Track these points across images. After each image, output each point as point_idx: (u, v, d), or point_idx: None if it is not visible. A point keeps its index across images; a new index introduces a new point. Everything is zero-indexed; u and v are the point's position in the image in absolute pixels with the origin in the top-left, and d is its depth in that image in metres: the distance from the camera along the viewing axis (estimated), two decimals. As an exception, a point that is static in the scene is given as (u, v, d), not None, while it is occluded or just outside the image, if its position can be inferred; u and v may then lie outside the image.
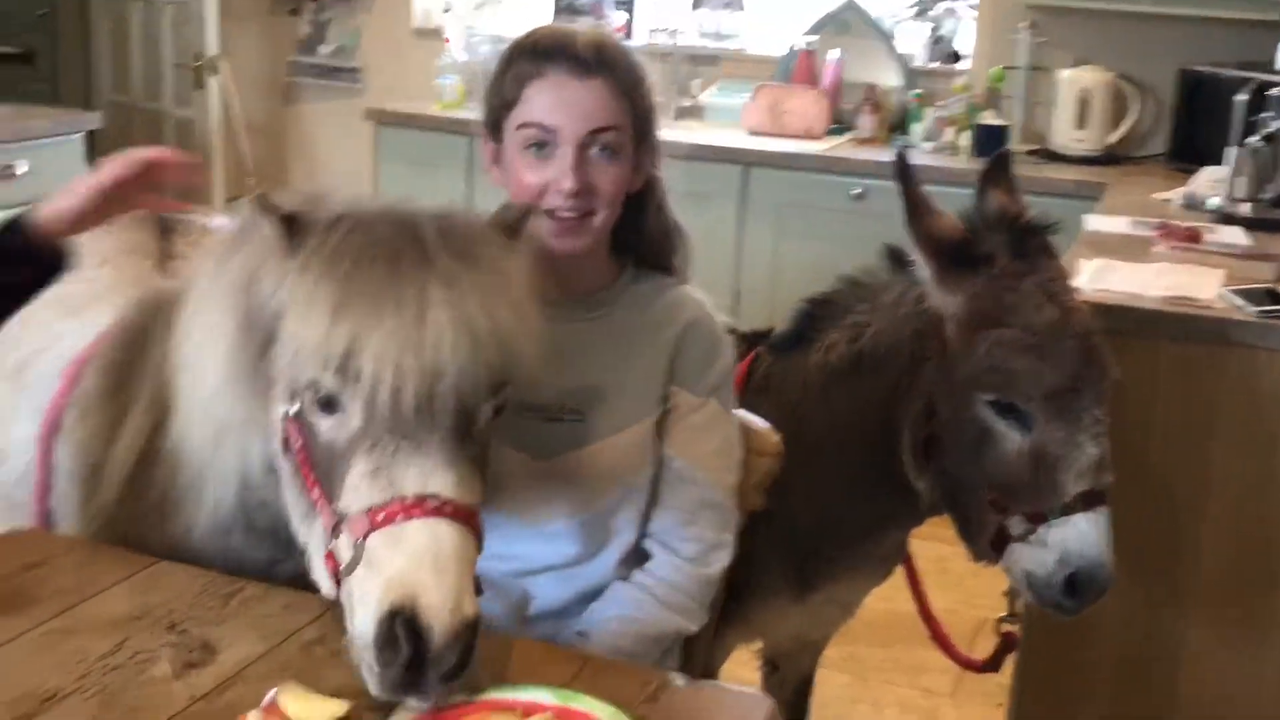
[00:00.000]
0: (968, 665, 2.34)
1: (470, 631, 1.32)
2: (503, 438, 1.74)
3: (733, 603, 1.99)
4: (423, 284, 1.40)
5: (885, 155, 4.48)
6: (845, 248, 4.37)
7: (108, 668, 1.45)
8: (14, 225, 1.65)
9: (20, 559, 1.71)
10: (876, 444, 2.07)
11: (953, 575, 3.62)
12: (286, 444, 1.48)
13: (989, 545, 1.97)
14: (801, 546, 2.14)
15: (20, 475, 1.87)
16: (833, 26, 5.05)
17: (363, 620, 1.33)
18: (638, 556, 1.87)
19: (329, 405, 1.41)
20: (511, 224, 1.56)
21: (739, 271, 4.53)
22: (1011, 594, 2.14)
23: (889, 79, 4.96)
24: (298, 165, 6.07)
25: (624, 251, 1.91)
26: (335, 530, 1.40)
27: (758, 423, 2.02)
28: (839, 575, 2.25)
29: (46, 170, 4.06)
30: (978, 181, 2.07)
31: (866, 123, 4.78)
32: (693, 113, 5.13)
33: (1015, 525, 1.91)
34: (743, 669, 2.59)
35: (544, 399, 1.79)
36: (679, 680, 1.52)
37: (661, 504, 1.86)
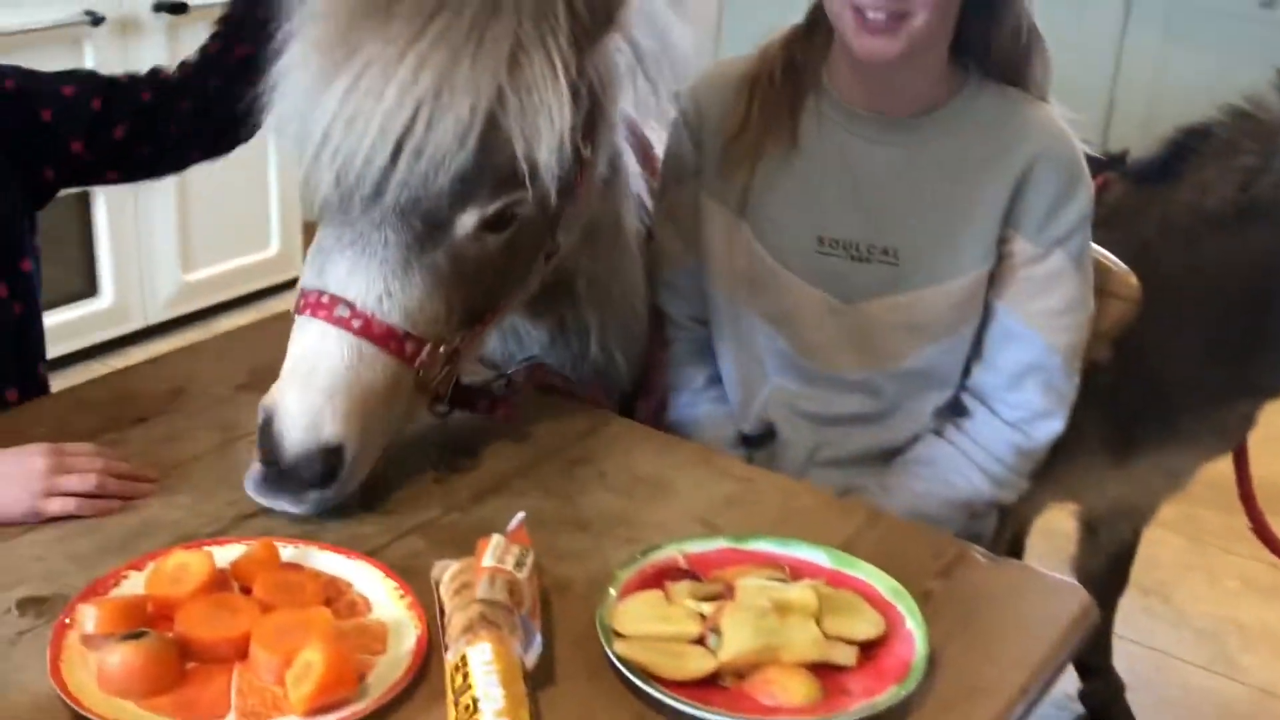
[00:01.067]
0: None
1: (324, 455, 1.23)
2: (795, 267, 1.57)
3: (1045, 459, 1.76)
4: (395, 47, 1.21)
5: (1307, -45, 3.94)
6: (1245, 64, 3.90)
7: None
8: None
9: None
10: (1257, 305, 1.78)
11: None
12: None
13: None
14: (1130, 405, 1.88)
15: None
16: None
17: None
18: (954, 408, 1.64)
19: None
20: None
21: (1115, 82, 4.10)
22: None
23: None
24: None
25: (966, 58, 1.57)
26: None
27: (1114, 262, 1.75)
28: (1171, 442, 1.98)
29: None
30: None
31: (1288, -84, 4.15)
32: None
33: None
34: (1060, 519, 2.38)
35: (849, 233, 1.56)
36: (979, 555, 1.34)
37: (985, 359, 1.61)
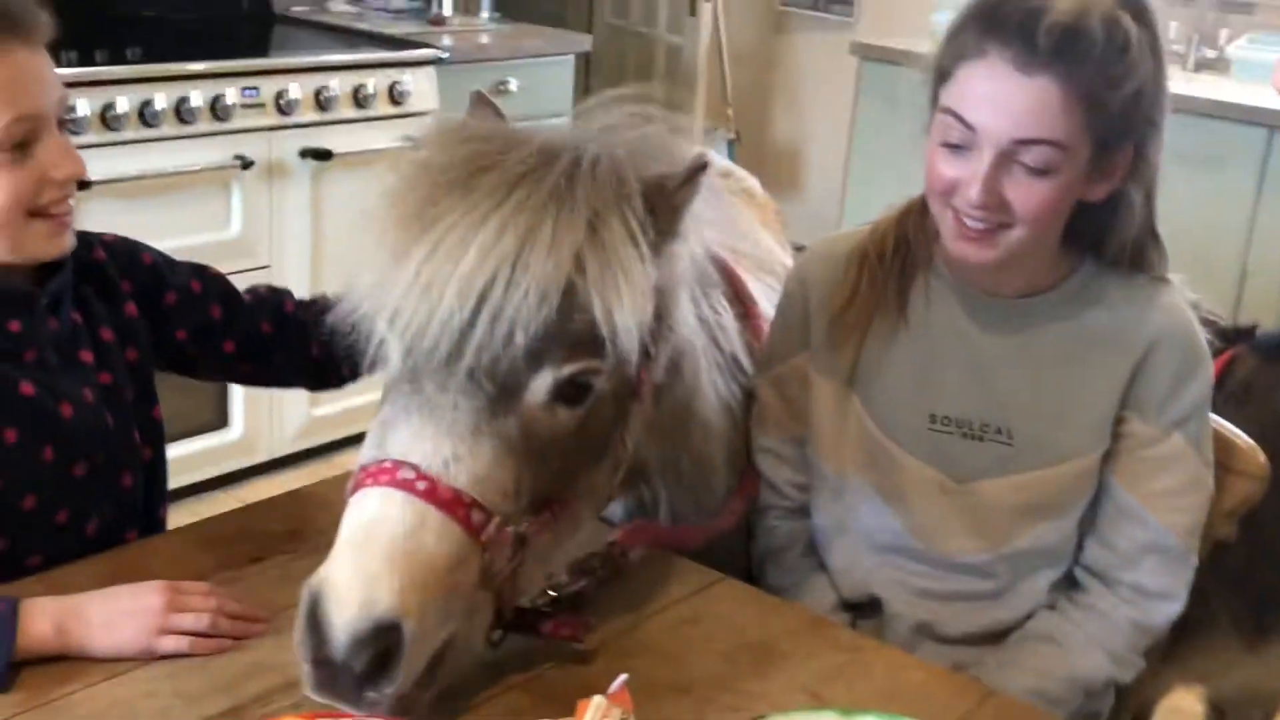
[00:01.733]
0: None
1: (379, 634, 1.10)
2: (907, 444, 1.55)
3: (1170, 639, 1.70)
4: (476, 216, 1.18)
5: None
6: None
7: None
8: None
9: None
10: None
11: None
12: None
13: None
14: (1263, 587, 1.80)
15: None
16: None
17: None
18: (1069, 582, 1.59)
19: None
20: (665, 198, 1.28)
21: (1248, 250, 4.02)
22: None
23: None
24: (779, 95, 5.99)
25: (1080, 242, 1.54)
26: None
27: (1240, 438, 1.70)
28: None
29: (536, 88, 4.16)
30: None
31: None
32: (1215, 65, 4.62)
33: None
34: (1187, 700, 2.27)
35: (963, 411, 1.54)
36: (1095, 745, 1.29)
37: (1100, 536, 1.56)
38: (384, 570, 1.12)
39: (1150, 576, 1.53)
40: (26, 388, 1.46)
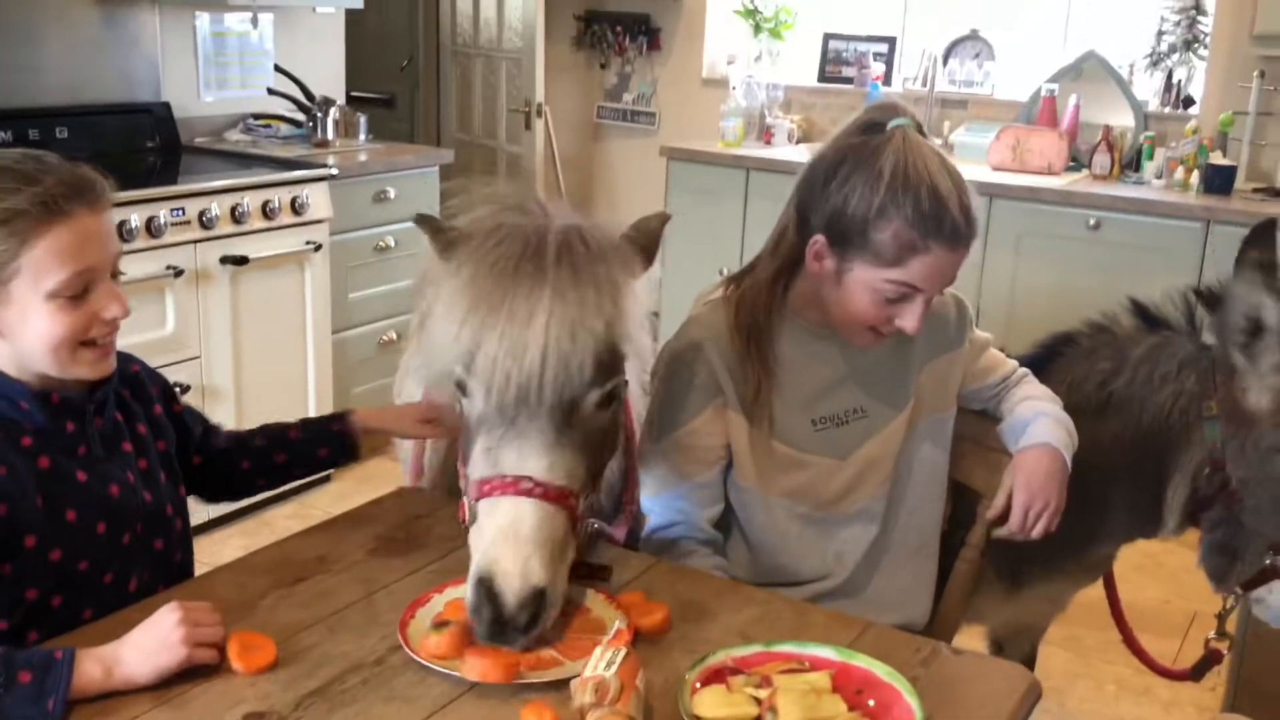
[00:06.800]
0: (1165, 674, 2.22)
1: (536, 597, 1.35)
2: (804, 447, 1.83)
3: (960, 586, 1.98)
4: (534, 295, 1.38)
5: (1120, 190, 4.31)
6: (1080, 273, 4.25)
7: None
8: (340, 416, 1.85)
9: (410, 511, 1.83)
10: (1114, 477, 1.97)
11: (1166, 570, 3.46)
12: None
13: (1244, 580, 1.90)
14: (1018, 548, 1.98)
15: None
16: (1073, 74, 4.84)
17: (467, 581, 1.39)
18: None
19: (463, 389, 1.46)
20: (648, 237, 1.53)
21: (980, 292, 4.39)
22: (1222, 617, 2.04)
23: (1124, 121, 4.73)
24: (601, 192, 6.23)
25: None
26: (467, 489, 1.47)
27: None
28: (1051, 577, 2.14)
29: (410, 195, 4.30)
30: (1242, 247, 1.84)
31: (1102, 160, 4.56)
32: (943, 150, 5.01)
33: None
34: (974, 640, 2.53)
35: (831, 409, 1.85)
36: (948, 651, 1.52)
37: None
38: (533, 554, 1.36)
39: None
40: (81, 475, 1.54)
